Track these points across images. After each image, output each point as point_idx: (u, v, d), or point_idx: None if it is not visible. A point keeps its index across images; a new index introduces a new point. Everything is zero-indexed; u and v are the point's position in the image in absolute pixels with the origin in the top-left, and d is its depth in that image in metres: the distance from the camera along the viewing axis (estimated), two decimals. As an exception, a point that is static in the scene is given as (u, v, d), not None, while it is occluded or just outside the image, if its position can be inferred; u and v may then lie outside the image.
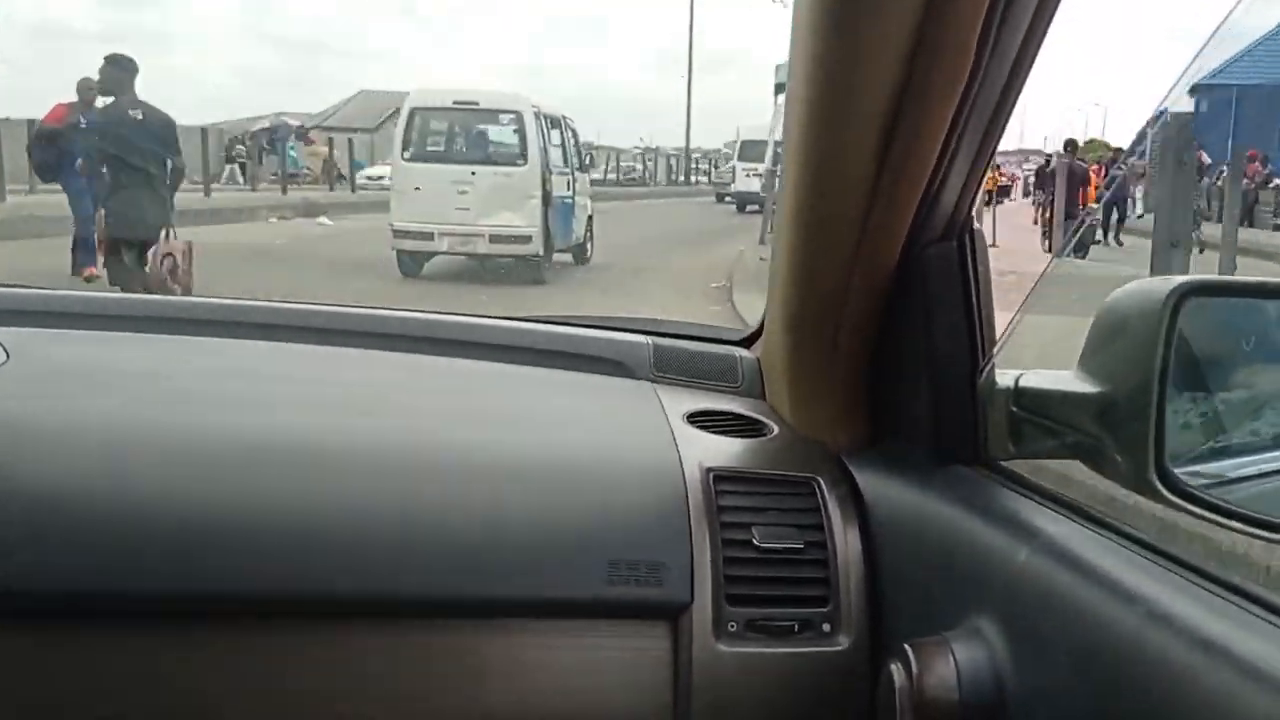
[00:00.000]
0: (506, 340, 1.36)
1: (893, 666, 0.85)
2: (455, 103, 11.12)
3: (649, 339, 1.37)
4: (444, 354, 1.32)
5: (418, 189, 10.35)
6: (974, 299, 0.95)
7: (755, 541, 1.01)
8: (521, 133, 10.67)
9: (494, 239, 10.25)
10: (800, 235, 1.00)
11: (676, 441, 1.11)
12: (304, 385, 1.20)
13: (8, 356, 1.10)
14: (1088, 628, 0.70)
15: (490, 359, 1.32)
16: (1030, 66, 0.85)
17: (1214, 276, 0.82)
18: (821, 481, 1.06)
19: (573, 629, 0.99)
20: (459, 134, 11.56)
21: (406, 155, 10.76)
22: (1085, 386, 0.77)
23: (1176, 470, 0.71)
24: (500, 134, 11.31)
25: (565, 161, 11.54)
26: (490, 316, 1.46)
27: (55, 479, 0.95)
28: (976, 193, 0.95)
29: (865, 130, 0.87)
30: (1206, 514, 0.70)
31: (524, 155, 10.60)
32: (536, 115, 10.72)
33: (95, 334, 1.27)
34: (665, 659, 0.99)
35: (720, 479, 1.05)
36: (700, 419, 1.18)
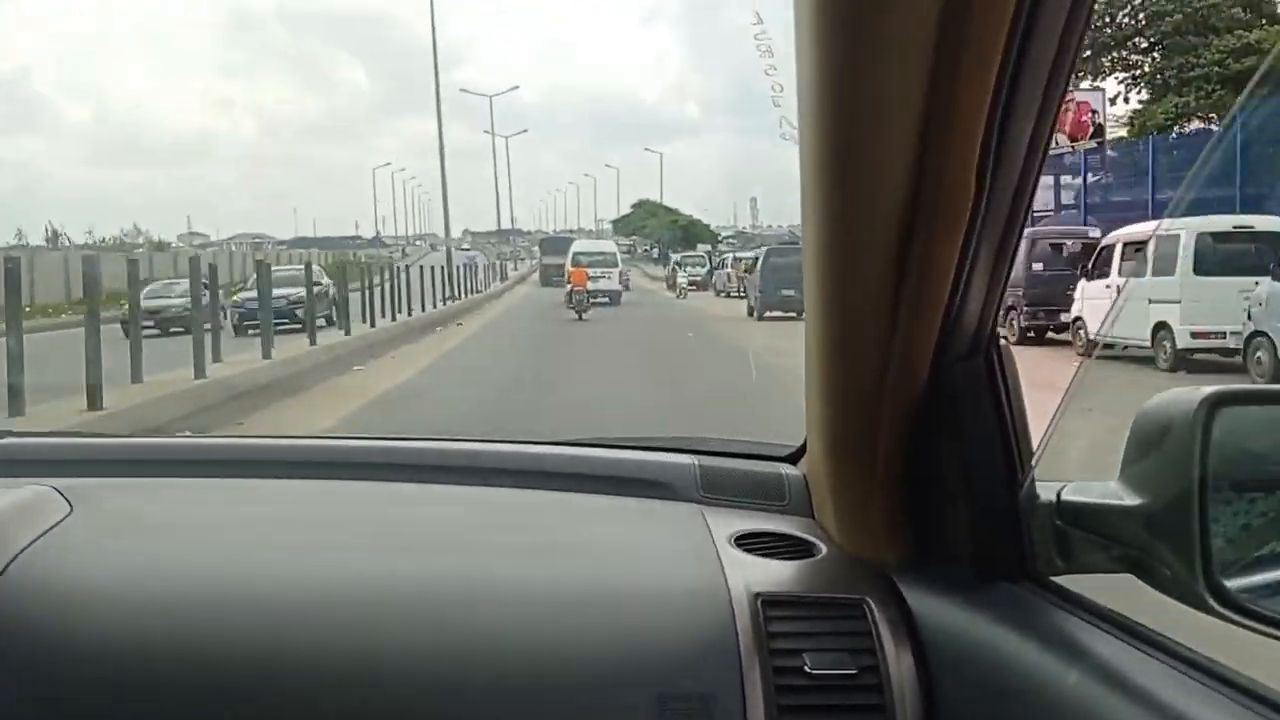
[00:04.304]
0: (551, 467, 1.38)
1: None
2: None
3: (695, 459, 1.38)
4: (488, 484, 1.34)
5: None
6: (1007, 413, 0.96)
7: (807, 668, 0.99)
8: None
9: None
10: (828, 358, 1.02)
11: (724, 567, 1.10)
12: (350, 525, 1.23)
13: (71, 508, 1.14)
14: None
15: (535, 486, 1.33)
16: (1034, 188, 0.88)
17: (1243, 386, 0.84)
18: (871, 603, 1.05)
19: None
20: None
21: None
22: (1127, 498, 0.77)
23: (1228, 582, 0.71)
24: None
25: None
26: (534, 442, 1.47)
27: (119, 632, 0.98)
28: (998, 311, 0.98)
29: (877, 260, 0.90)
30: (1260, 626, 0.70)
31: None
32: None
33: (155, 481, 1.32)
34: None
35: (769, 604, 1.04)
36: (748, 541, 1.18)
